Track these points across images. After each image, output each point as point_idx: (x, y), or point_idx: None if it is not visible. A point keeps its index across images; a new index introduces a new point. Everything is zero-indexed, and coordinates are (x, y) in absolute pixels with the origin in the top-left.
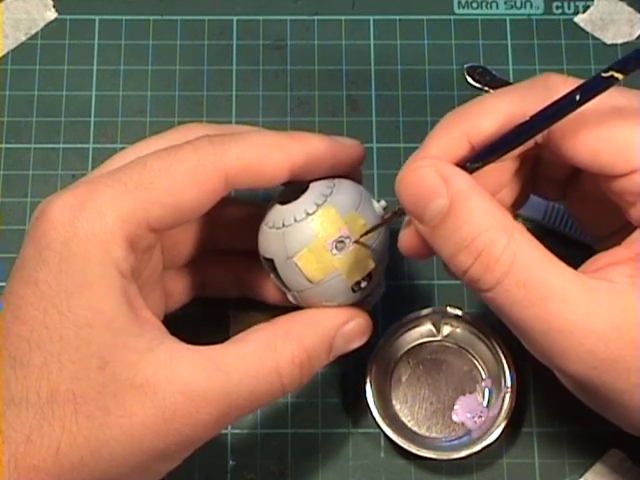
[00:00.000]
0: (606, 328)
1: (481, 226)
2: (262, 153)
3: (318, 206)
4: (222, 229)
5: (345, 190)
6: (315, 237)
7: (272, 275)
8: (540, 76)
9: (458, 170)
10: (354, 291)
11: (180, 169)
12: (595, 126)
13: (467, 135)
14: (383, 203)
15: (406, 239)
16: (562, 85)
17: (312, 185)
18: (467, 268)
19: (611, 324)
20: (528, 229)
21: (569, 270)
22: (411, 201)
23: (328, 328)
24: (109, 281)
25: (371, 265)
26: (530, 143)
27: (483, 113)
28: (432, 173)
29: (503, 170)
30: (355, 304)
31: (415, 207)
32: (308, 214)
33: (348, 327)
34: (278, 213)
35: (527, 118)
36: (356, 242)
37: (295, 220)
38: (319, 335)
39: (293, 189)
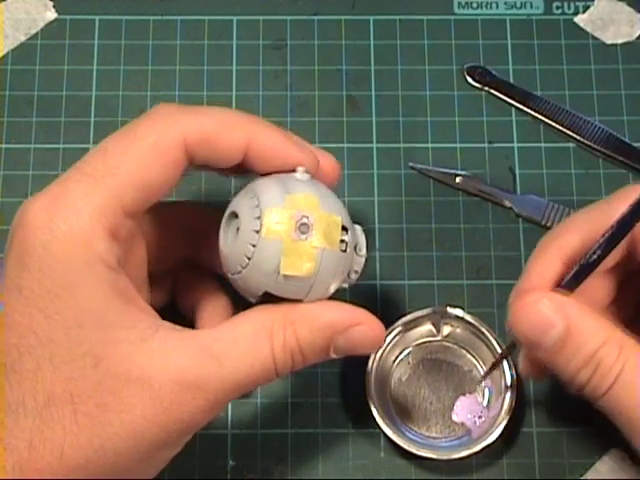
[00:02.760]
0: None
1: (597, 343)
2: (221, 127)
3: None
4: (204, 239)
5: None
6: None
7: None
8: (622, 189)
9: (566, 299)
10: (342, 250)
11: (141, 147)
12: None
13: (559, 255)
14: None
15: (524, 367)
16: (633, 193)
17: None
18: (586, 381)
19: None
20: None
21: None
22: (529, 334)
23: (327, 326)
24: (95, 277)
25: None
26: (617, 254)
27: (569, 231)
28: (544, 306)
29: (602, 287)
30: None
31: (533, 338)
32: (257, 218)
33: (351, 333)
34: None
35: (608, 230)
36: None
37: (253, 245)
38: (314, 328)
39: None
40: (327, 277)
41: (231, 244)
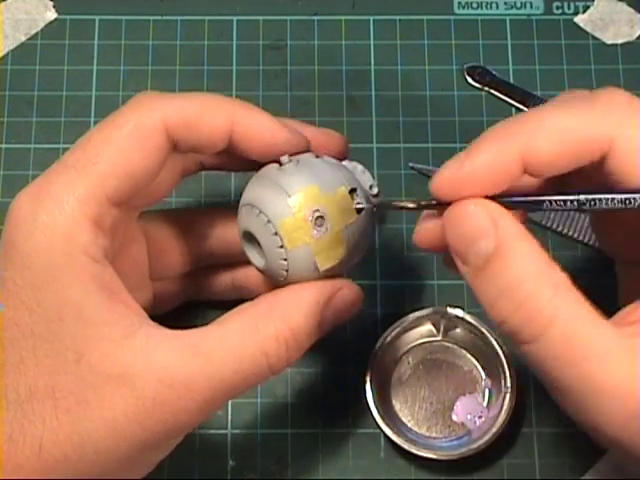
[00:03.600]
0: None
1: (526, 274)
2: (202, 110)
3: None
4: (216, 244)
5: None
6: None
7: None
8: (603, 91)
9: (507, 213)
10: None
11: (121, 134)
12: None
13: (521, 152)
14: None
15: (423, 234)
16: (627, 107)
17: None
18: (507, 316)
19: None
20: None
21: (612, 329)
22: (456, 237)
23: (313, 304)
24: (76, 269)
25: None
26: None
27: (541, 129)
28: (482, 212)
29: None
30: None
31: (460, 245)
32: (275, 234)
33: (335, 301)
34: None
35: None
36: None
37: (283, 259)
38: (304, 312)
39: None
40: (361, 239)
41: (262, 261)
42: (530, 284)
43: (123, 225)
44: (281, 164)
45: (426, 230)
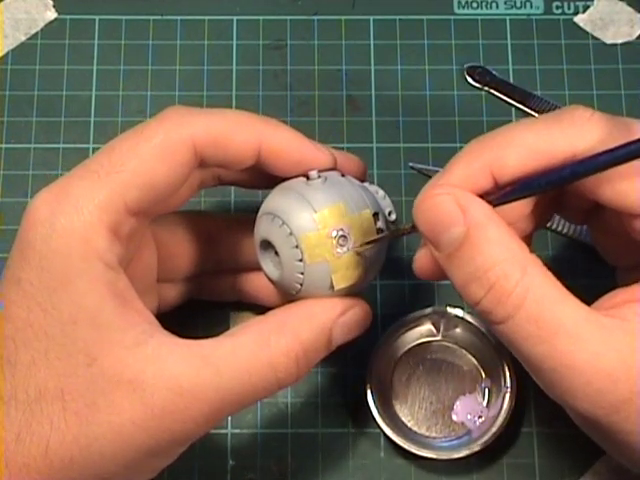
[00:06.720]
0: (616, 368)
1: (495, 258)
2: (231, 128)
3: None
4: (224, 250)
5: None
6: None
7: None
8: (567, 109)
9: (476, 199)
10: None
11: (148, 146)
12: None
13: (491, 167)
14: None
15: (421, 262)
16: (587, 121)
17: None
18: (479, 299)
19: (622, 364)
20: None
21: (582, 307)
22: (428, 227)
23: (324, 321)
24: (92, 275)
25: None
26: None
27: (508, 144)
28: (450, 201)
29: (524, 202)
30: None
31: (431, 233)
32: (295, 247)
33: (345, 318)
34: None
35: (558, 164)
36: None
37: (300, 273)
38: (315, 328)
39: None
40: (375, 264)
41: (276, 272)
42: (498, 269)
43: (138, 234)
44: (309, 178)
45: (424, 256)
